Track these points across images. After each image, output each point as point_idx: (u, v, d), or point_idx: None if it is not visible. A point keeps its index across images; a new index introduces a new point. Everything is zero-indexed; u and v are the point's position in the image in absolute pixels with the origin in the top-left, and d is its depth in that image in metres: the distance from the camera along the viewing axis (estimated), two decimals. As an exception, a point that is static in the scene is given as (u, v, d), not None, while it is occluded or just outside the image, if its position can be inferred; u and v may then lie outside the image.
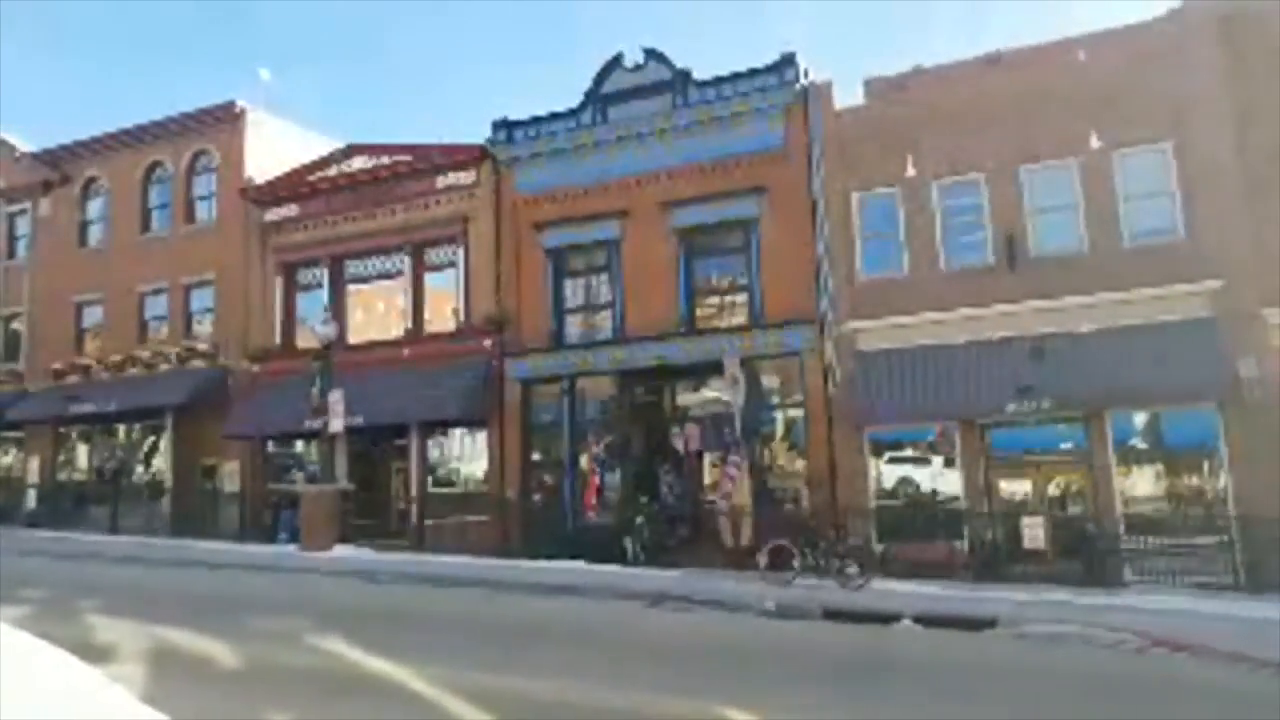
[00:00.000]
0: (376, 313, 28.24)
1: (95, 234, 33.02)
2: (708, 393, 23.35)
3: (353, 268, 28.14)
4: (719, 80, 23.68)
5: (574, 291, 25.40)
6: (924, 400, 20.28)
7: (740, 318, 23.18)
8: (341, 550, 22.00)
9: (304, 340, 27.69)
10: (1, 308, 34.02)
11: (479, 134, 26.33)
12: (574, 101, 25.24)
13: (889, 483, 21.51)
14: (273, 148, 30.20)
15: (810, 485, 21.57)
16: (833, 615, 14.12)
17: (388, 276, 27.65)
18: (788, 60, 22.98)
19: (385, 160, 27.62)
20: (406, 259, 27.03)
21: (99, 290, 31.71)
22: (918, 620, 13.46)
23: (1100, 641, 12.07)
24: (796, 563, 17.60)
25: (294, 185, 28.89)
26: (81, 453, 32.51)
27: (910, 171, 21.54)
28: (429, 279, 27.08)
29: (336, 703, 8.32)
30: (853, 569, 17.18)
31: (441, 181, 26.77)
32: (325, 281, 28.10)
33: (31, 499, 31.67)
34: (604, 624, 13.58)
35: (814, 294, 22.03)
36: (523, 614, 14.45)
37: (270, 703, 8.20)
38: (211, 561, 20.15)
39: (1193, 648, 11.53)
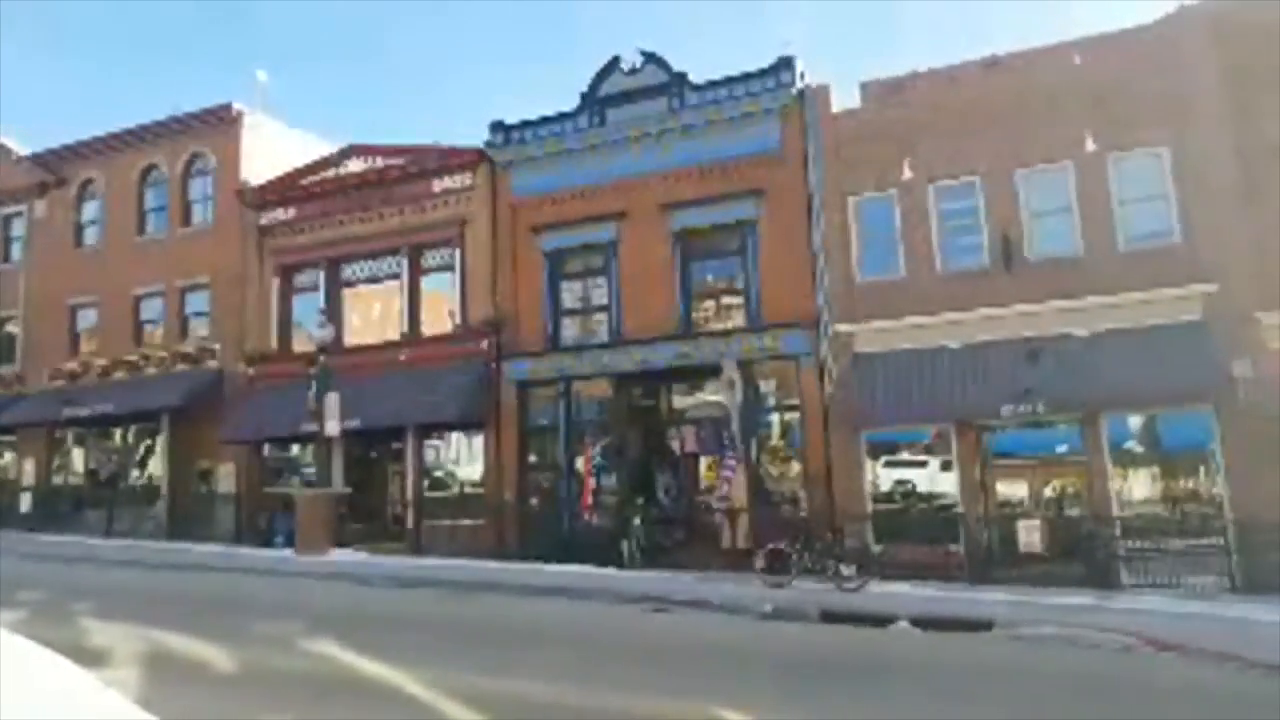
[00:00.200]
0: (373, 315, 28.20)
1: (91, 236, 32.97)
2: (705, 395, 23.37)
3: (349, 270, 28.12)
4: (716, 83, 23.69)
5: (571, 294, 25.39)
6: (920, 402, 20.30)
7: (737, 320, 23.19)
8: (337, 554, 21.99)
9: (300, 343, 27.68)
10: (-3, 310, 33.96)
11: (476, 136, 26.37)
12: (571, 104, 25.27)
13: (885, 485, 21.53)
14: (269, 150, 30.17)
15: (807, 487, 21.57)
16: (829, 617, 14.12)
17: (384, 279, 27.61)
18: (785, 63, 23.00)
19: (382, 163, 27.61)
20: (403, 261, 27.01)
21: (94, 293, 31.65)
22: (914, 622, 13.46)
23: (1096, 643, 12.07)
24: (793, 565, 17.60)
25: (290, 187, 28.86)
26: (77, 456, 32.44)
27: (907, 174, 21.56)
28: (426, 281, 27.05)
29: (331, 706, 8.30)
30: (849, 571, 17.19)
31: (438, 184, 26.75)
32: (322, 284, 28.08)
33: (26, 502, 31.60)
34: (600, 626, 13.57)
35: (811, 296, 22.04)
36: (519, 616, 14.44)
37: (265, 706, 8.18)
38: (207, 565, 20.11)
39: (1188, 649, 11.54)
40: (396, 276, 27.22)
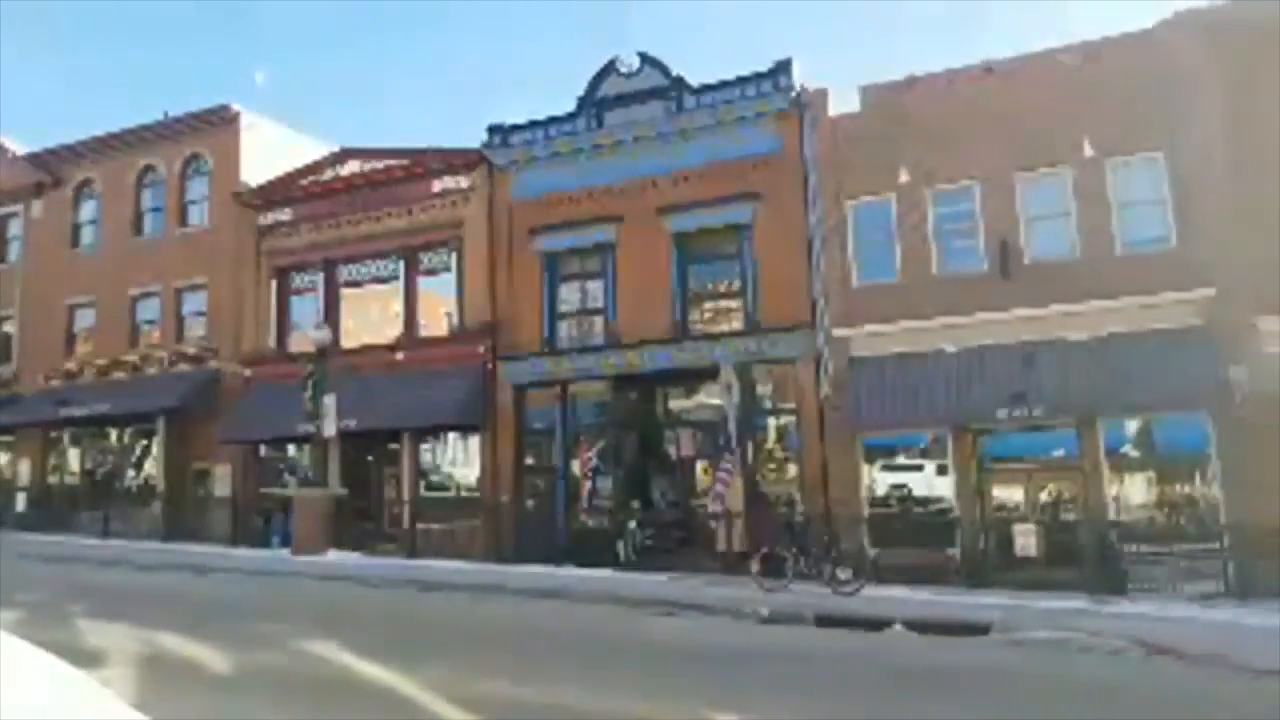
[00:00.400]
0: (370, 317, 28.21)
1: (88, 236, 32.97)
2: (701, 398, 23.38)
3: (346, 272, 28.12)
4: (714, 86, 23.73)
5: (568, 296, 25.41)
6: (917, 406, 20.32)
7: (734, 323, 23.21)
8: (334, 555, 21.97)
9: (297, 345, 27.64)
10: (-7, 310, 33.94)
11: (474, 138, 26.39)
12: (569, 106, 25.28)
13: (882, 489, 21.56)
14: (267, 151, 30.16)
15: (803, 491, 21.59)
16: (825, 621, 14.11)
17: (382, 281, 27.63)
18: (783, 67, 23.02)
19: (379, 165, 27.63)
20: (400, 263, 27.03)
21: (91, 293, 31.63)
22: (910, 626, 13.46)
23: (1092, 648, 12.09)
24: (789, 568, 17.59)
25: (287, 189, 28.87)
26: (73, 456, 32.42)
27: (904, 179, 21.59)
28: (423, 283, 27.07)
29: (327, 707, 8.30)
30: (845, 575, 17.17)
31: (436, 186, 26.77)
32: (319, 286, 28.09)
33: (22, 502, 31.57)
34: (595, 629, 13.56)
35: (808, 300, 22.06)
36: (514, 618, 14.44)
37: (262, 707, 8.17)
38: (203, 566, 20.07)
39: (1184, 654, 11.55)
40: (394, 278, 27.23)
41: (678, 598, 15.74)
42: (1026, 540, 19.38)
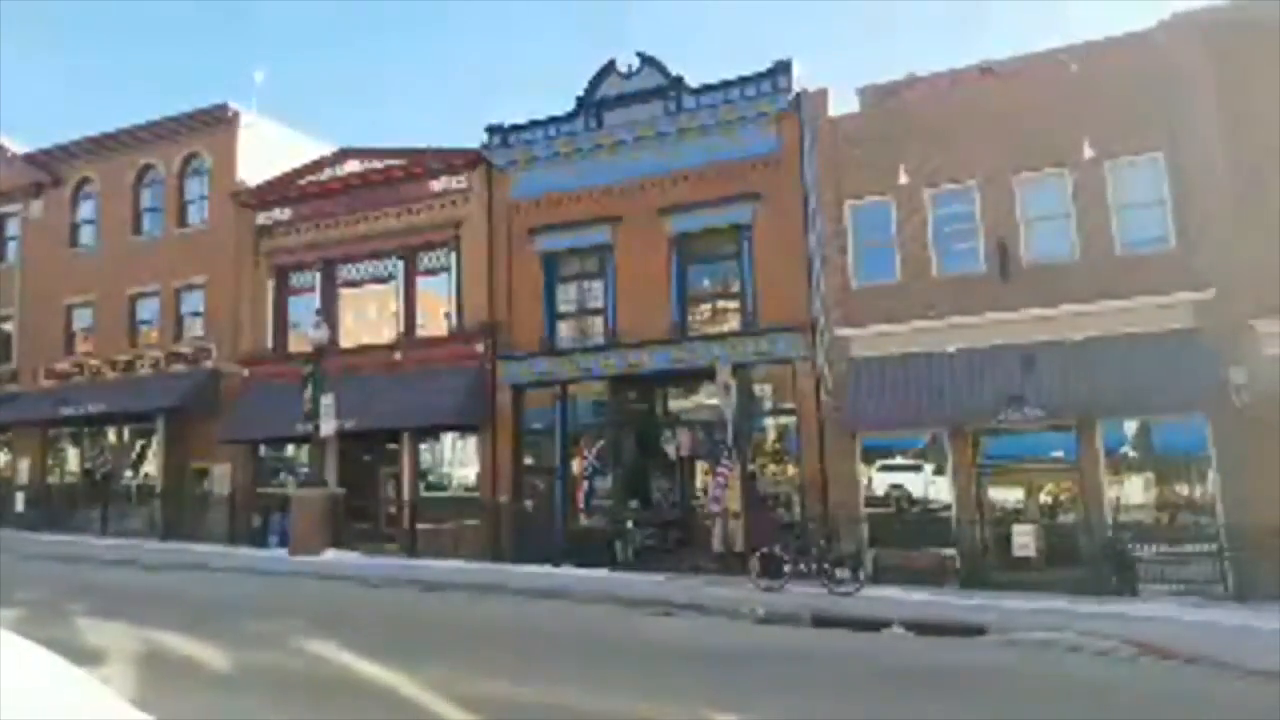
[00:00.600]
0: (369, 317, 28.21)
1: (86, 236, 32.98)
2: (700, 398, 23.39)
3: (345, 271, 28.12)
4: (713, 86, 23.73)
5: (567, 296, 25.42)
6: (916, 407, 20.34)
7: (733, 324, 23.22)
8: (332, 554, 21.95)
9: (296, 344, 27.66)
10: (-8, 309, 33.94)
11: (473, 137, 26.41)
12: (568, 106, 25.29)
13: (880, 490, 21.56)
14: (266, 150, 30.19)
15: (802, 492, 21.60)
16: (822, 621, 14.11)
17: (380, 280, 27.64)
18: (782, 67, 23.02)
19: (378, 164, 27.63)
20: (399, 263, 27.03)
21: (90, 292, 31.65)
22: (908, 627, 13.46)
23: (1089, 649, 12.09)
24: (787, 569, 17.58)
25: (286, 189, 28.87)
26: (72, 455, 32.42)
27: (903, 179, 21.60)
28: (422, 283, 27.08)
29: (326, 706, 8.30)
30: (843, 575, 17.17)
31: (435, 185, 26.78)
32: (317, 285, 28.08)
33: (21, 501, 31.55)
34: (594, 628, 13.56)
35: (807, 300, 22.08)
36: (513, 618, 14.44)
37: (261, 706, 8.18)
38: (202, 565, 20.08)
39: (1181, 655, 11.56)
40: (392, 278, 27.24)
41: (676, 598, 15.74)
42: (1025, 541, 19.39)
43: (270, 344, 28.50)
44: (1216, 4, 19.90)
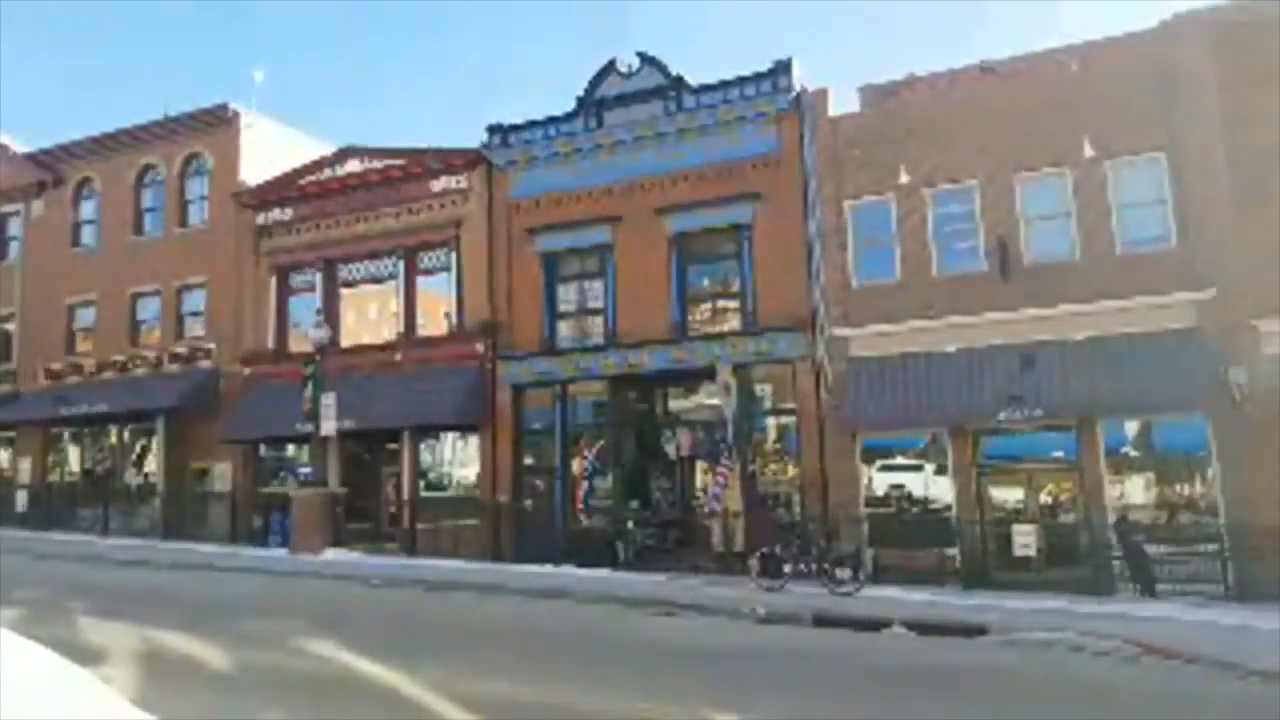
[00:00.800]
0: (369, 316, 28.23)
1: (88, 236, 32.98)
2: (700, 398, 23.39)
3: (345, 271, 28.13)
4: (713, 86, 23.73)
5: (567, 296, 25.42)
6: (916, 407, 20.34)
7: (733, 323, 23.22)
8: (333, 554, 21.96)
9: (296, 344, 27.67)
10: (-7, 309, 33.95)
11: (473, 137, 26.41)
12: (569, 106, 25.28)
13: (881, 489, 21.57)
14: (266, 150, 30.19)
15: (802, 491, 21.60)
16: (823, 621, 14.11)
17: (381, 280, 27.65)
18: (782, 67, 23.02)
19: (378, 164, 27.63)
20: (400, 263, 27.04)
21: (91, 292, 31.65)
22: (908, 627, 13.46)
23: (1090, 649, 12.09)
24: (787, 569, 17.58)
25: (287, 188, 28.88)
26: (73, 454, 32.43)
27: (904, 179, 21.60)
28: (422, 283, 27.08)
29: (326, 706, 8.31)
30: (844, 575, 17.16)
31: (435, 185, 26.78)
32: (318, 285, 28.08)
33: (22, 500, 31.57)
34: (594, 628, 13.57)
35: (807, 300, 22.08)
36: (513, 618, 14.44)
37: (261, 705, 8.18)
38: (202, 564, 20.08)
39: (1182, 655, 11.55)
40: (393, 278, 27.24)
41: (676, 598, 15.73)
42: (1025, 541, 19.40)
43: (271, 344, 28.51)
44: (1216, 4, 19.90)
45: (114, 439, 31.39)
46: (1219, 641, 12.56)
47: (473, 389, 24.73)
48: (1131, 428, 19.81)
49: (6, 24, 70.75)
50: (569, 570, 19.75)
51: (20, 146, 34.81)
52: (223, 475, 28.33)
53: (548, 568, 20.06)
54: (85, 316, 32.23)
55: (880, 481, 21.60)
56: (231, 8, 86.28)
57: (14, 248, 34.25)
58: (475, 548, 23.18)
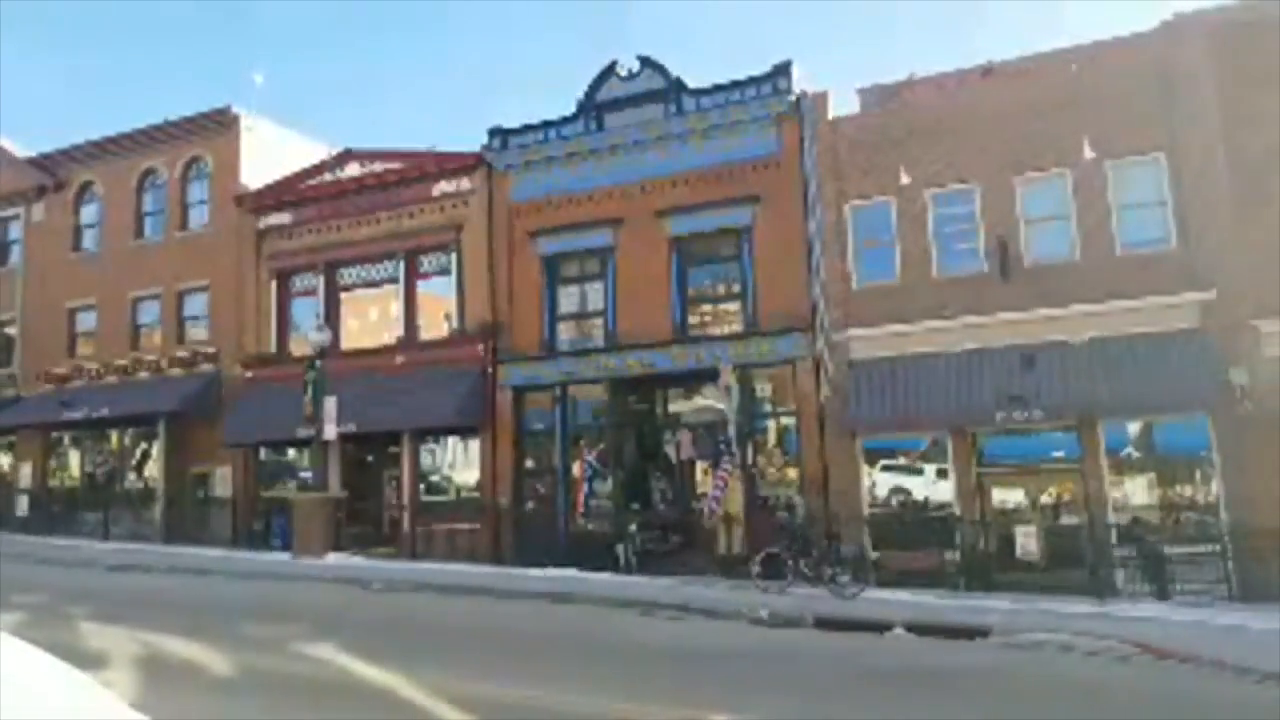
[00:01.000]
0: (370, 319, 28.21)
1: (89, 239, 32.94)
2: (701, 400, 23.37)
3: (346, 274, 28.12)
4: (714, 89, 23.71)
5: (568, 298, 25.39)
6: (917, 409, 20.31)
7: (734, 325, 23.20)
8: (334, 557, 21.96)
9: (297, 347, 27.67)
10: (-6, 313, 33.95)
11: (474, 139, 26.41)
12: (569, 108, 25.31)
13: (882, 491, 21.54)
14: (267, 153, 30.16)
15: (803, 493, 21.57)
16: (824, 624, 14.12)
17: (381, 283, 27.62)
18: (782, 69, 23.01)
19: (379, 167, 27.62)
20: (400, 266, 27.02)
21: (92, 296, 31.64)
22: (910, 629, 13.47)
23: (1092, 650, 12.09)
24: (789, 571, 17.59)
25: (288, 192, 28.87)
26: (74, 458, 32.42)
27: (904, 180, 21.58)
28: (423, 286, 27.06)
29: (326, 709, 8.32)
30: (845, 577, 17.18)
31: (436, 188, 26.76)
32: (319, 288, 28.07)
33: (23, 505, 31.56)
34: (596, 631, 13.57)
35: (808, 302, 22.05)
36: (514, 621, 14.44)
37: (261, 709, 8.19)
38: (203, 568, 20.09)
39: (1184, 656, 11.55)
40: (394, 281, 27.22)
41: (678, 600, 15.74)
42: (1027, 543, 19.38)
43: (272, 347, 28.50)
44: (1216, 4, 19.90)
45: (115, 443, 31.39)
46: (1221, 642, 12.55)
47: (473, 392, 24.72)
48: (1133, 428, 19.78)
49: (6, 24, 70.88)
50: (570, 573, 19.75)
51: (21, 150, 34.80)
52: (224, 479, 28.30)
53: (549, 571, 20.06)
54: (86, 320, 32.20)
55: (881, 483, 21.58)
56: (231, 8, 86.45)
57: (15, 251, 34.22)
58: (476, 551, 23.18)
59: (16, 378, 32.87)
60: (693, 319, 23.77)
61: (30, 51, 79.80)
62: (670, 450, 23.86)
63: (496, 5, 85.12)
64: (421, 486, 26.00)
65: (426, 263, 26.95)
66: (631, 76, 24.77)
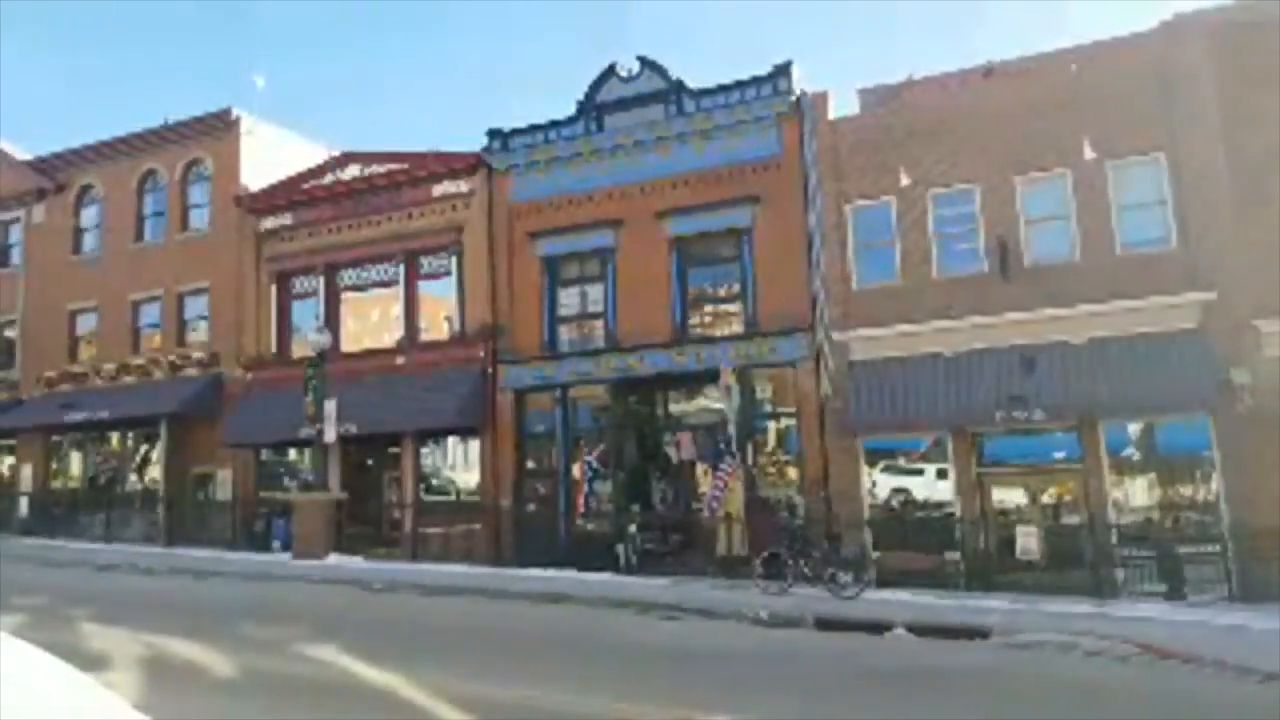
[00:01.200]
0: (370, 321, 28.22)
1: (89, 242, 32.97)
2: (701, 401, 23.38)
3: (347, 276, 28.13)
4: (714, 89, 23.72)
5: (568, 300, 25.39)
6: (917, 409, 20.30)
7: (734, 326, 23.20)
8: (335, 559, 21.98)
9: (298, 349, 27.68)
10: (-5, 315, 33.97)
11: (475, 141, 26.40)
12: (569, 108, 25.32)
13: (882, 492, 21.53)
14: (267, 155, 30.17)
15: (804, 494, 21.57)
16: (825, 624, 14.12)
17: (382, 285, 27.64)
18: (783, 70, 23.02)
19: (379, 168, 27.62)
20: (401, 267, 27.03)
21: (93, 298, 31.68)
22: (911, 629, 13.47)
23: (1093, 650, 12.09)
24: (790, 571, 17.59)
25: (288, 193, 28.89)
26: (75, 460, 32.44)
27: (904, 181, 21.58)
28: (423, 287, 27.07)
29: (327, 710, 8.32)
30: (846, 578, 17.17)
31: (436, 190, 26.77)
32: (320, 290, 28.09)
33: (24, 507, 31.57)
34: (596, 632, 13.58)
35: (808, 302, 22.06)
36: (514, 622, 14.45)
37: (263, 710, 8.20)
38: (205, 570, 20.10)
39: (1185, 657, 11.55)
40: (394, 282, 27.23)
41: (678, 601, 15.75)
42: (1028, 543, 19.37)
43: (273, 349, 28.51)
44: (1216, 4, 19.90)
45: (116, 445, 31.42)
46: (1222, 642, 12.55)
47: (474, 393, 24.72)
48: (1133, 428, 19.78)
49: (6, 24, 70.91)
50: (571, 574, 19.76)
51: (21, 153, 34.84)
52: (225, 481, 28.32)
53: (549, 572, 20.06)
54: (87, 322, 32.24)
55: (882, 484, 21.57)
56: (231, 8, 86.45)
57: (15, 254, 34.26)
58: (477, 552, 23.18)
59: (18, 380, 32.87)
60: (693, 320, 23.78)
61: (30, 52, 79.90)
62: (670, 451, 23.86)
63: (496, 5, 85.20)
64: (422, 488, 26.03)
65: (427, 264, 26.95)
66: (632, 77, 24.78)
